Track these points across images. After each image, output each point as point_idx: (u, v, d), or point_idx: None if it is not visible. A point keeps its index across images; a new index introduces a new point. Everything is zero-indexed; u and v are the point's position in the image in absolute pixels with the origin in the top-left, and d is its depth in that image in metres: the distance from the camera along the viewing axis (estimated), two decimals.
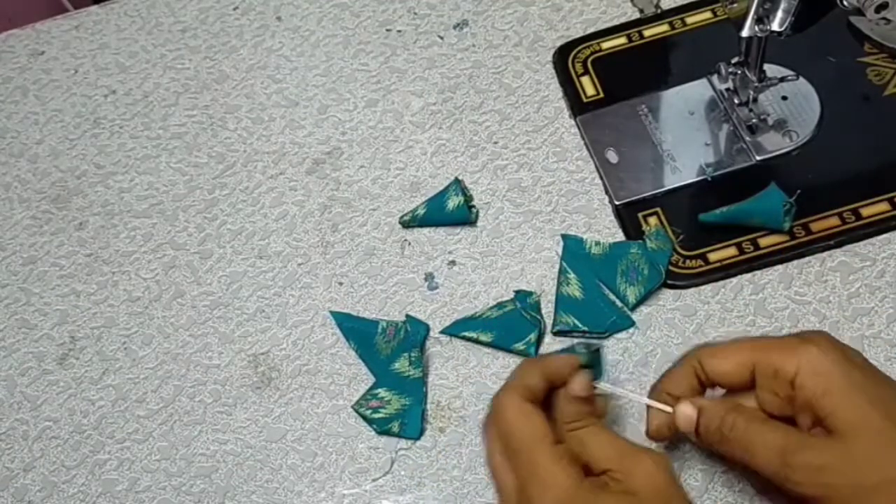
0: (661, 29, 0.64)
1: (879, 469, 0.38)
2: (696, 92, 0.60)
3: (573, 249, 0.56)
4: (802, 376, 0.40)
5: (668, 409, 0.44)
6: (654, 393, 0.46)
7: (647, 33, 0.64)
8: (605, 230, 0.57)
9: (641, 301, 0.53)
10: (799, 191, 0.52)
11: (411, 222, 0.59)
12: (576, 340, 0.52)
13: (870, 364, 0.41)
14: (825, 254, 0.53)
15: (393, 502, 0.50)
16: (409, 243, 0.59)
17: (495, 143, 0.62)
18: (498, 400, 0.44)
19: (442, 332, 0.55)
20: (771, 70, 0.56)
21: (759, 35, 0.50)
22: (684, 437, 0.48)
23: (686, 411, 0.43)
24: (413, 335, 0.54)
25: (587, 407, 0.43)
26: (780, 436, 0.40)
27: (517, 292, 0.55)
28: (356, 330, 0.55)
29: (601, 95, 0.62)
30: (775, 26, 0.49)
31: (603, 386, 0.45)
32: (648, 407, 0.45)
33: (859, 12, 0.48)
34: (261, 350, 0.56)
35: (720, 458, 0.46)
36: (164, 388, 0.56)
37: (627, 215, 0.56)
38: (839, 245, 0.53)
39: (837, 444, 0.39)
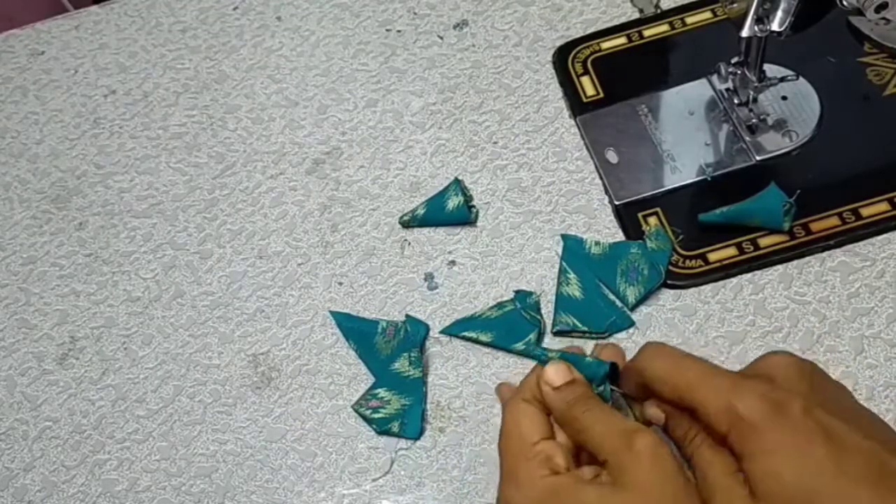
0: (661, 29, 0.64)
1: None
2: (695, 92, 0.60)
3: (573, 249, 0.56)
4: (731, 437, 0.37)
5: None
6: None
7: (647, 33, 0.64)
8: (605, 230, 0.57)
9: (641, 301, 0.53)
10: (799, 191, 0.53)
11: (411, 222, 0.59)
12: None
13: (814, 413, 0.36)
14: (825, 254, 0.53)
15: (393, 502, 0.50)
16: (409, 243, 0.59)
17: (495, 143, 0.62)
18: (505, 402, 0.44)
19: (442, 332, 0.55)
20: (771, 70, 0.56)
21: (758, 35, 0.50)
22: None
23: (652, 413, 0.42)
24: (413, 335, 0.54)
25: (573, 392, 0.42)
26: (720, 475, 0.38)
27: (517, 292, 0.55)
28: (356, 330, 0.55)
29: (601, 95, 0.62)
30: (775, 26, 0.49)
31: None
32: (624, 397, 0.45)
33: (859, 12, 0.48)
34: (261, 350, 0.56)
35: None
36: (163, 388, 0.56)
37: (627, 215, 0.56)
38: (839, 245, 0.53)
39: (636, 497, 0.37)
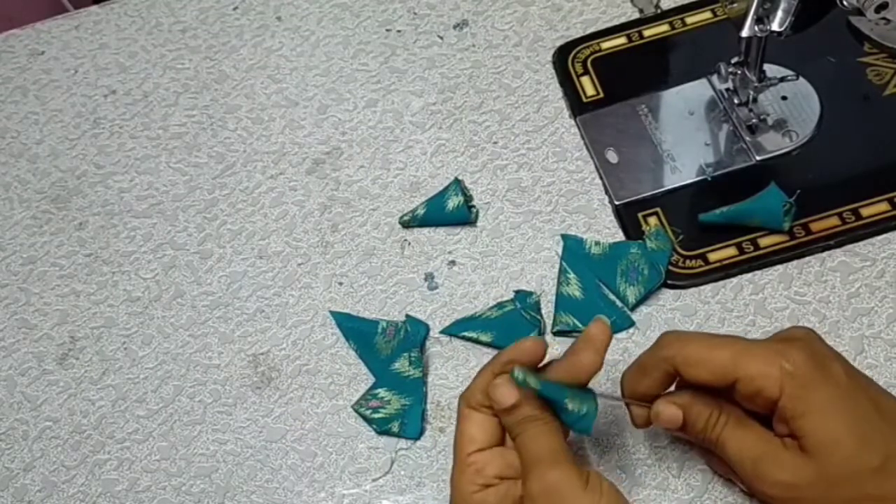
0: (661, 29, 0.64)
1: (849, 490, 0.39)
2: (695, 92, 0.60)
3: (573, 249, 0.56)
4: (783, 399, 0.40)
5: (647, 407, 0.44)
6: (627, 391, 0.45)
7: (647, 33, 0.64)
8: (605, 230, 0.57)
9: (641, 301, 0.53)
10: (799, 191, 0.53)
11: (411, 222, 0.59)
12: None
13: (851, 372, 0.41)
14: (825, 254, 0.53)
15: (393, 502, 0.50)
16: (409, 243, 0.59)
17: (495, 143, 0.62)
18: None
19: (442, 332, 0.55)
20: (771, 70, 0.56)
21: (758, 35, 0.50)
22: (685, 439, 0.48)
23: (670, 411, 0.42)
24: (413, 335, 0.54)
25: (517, 415, 0.42)
26: (757, 444, 0.41)
27: (517, 292, 0.55)
28: (356, 330, 0.55)
29: (601, 95, 0.62)
30: (775, 26, 0.49)
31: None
32: (627, 404, 0.45)
33: (859, 12, 0.48)
34: (261, 350, 0.56)
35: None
36: (163, 388, 0.56)
37: (627, 215, 0.56)
38: (839, 245, 0.53)
39: (810, 463, 0.39)
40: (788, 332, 0.43)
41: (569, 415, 0.42)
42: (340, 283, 0.58)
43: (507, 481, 0.42)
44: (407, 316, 0.55)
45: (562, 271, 0.55)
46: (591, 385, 0.44)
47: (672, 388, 0.44)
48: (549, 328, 0.53)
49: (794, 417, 0.40)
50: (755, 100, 0.57)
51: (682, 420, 0.42)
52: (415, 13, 0.69)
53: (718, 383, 0.41)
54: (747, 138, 0.58)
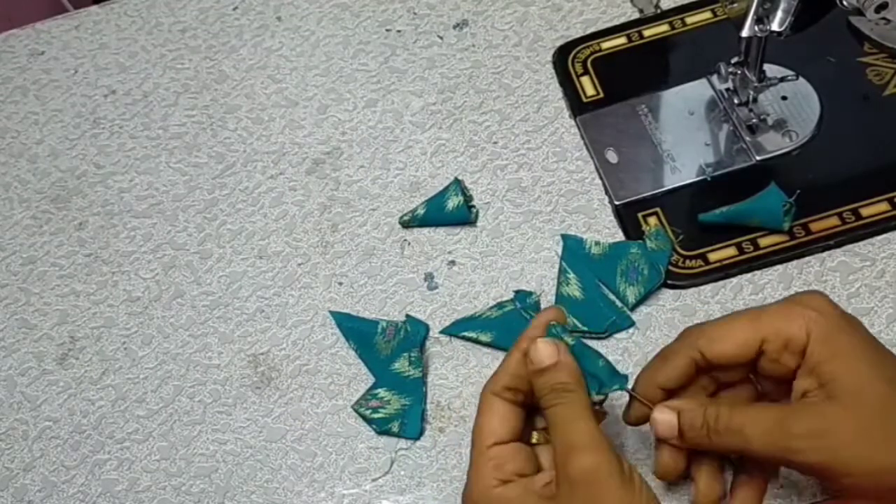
0: (661, 29, 0.64)
1: (882, 430, 0.38)
2: (695, 92, 0.60)
3: (573, 249, 0.56)
4: (811, 345, 0.40)
5: (649, 407, 0.44)
6: (642, 384, 0.45)
7: (646, 33, 0.64)
8: (604, 230, 0.57)
9: (641, 301, 0.53)
10: (799, 191, 0.53)
11: (411, 222, 0.59)
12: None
13: (865, 327, 0.42)
14: (825, 254, 0.53)
15: (393, 502, 0.50)
16: (409, 243, 0.59)
17: (495, 143, 0.62)
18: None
19: (442, 332, 0.55)
20: (771, 70, 0.56)
21: (758, 35, 0.50)
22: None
23: (665, 417, 0.42)
24: (413, 335, 0.54)
25: (553, 378, 0.42)
26: (773, 411, 0.41)
27: (517, 292, 0.55)
28: (356, 330, 0.55)
29: (601, 95, 0.62)
30: (775, 26, 0.49)
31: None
32: (631, 397, 0.45)
33: (859, 12, 0.48)
34: (261, 350, 0.56)
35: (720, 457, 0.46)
36: (163, 388, 0.56)
37: (627, 215, 0.56)
38: (839, 245, 0.53)
39: (838, 407, 0.39)
40: (800, 294, 0.44)
41: (597, 376, 0.42)
42: (340, 283, 0.58)
43: (525, 478, 0.42)
44: (407, 316, 0.55)
45: (562, 271, 0.55)
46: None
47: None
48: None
49: (822, 361, 0.40)
50: (755, 100, 0.57)
51: (676, 425, 0.42)
52: (415, 13, 0.69)
53: (745, 354, 0.42)
54: (747, 138, 0.58)
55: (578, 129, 0.61)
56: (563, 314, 0.45)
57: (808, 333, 0.41)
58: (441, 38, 0.67)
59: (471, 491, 0.42)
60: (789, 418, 0.40)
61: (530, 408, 0.44)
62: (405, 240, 0.59)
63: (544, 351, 0.42)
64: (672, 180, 0.57)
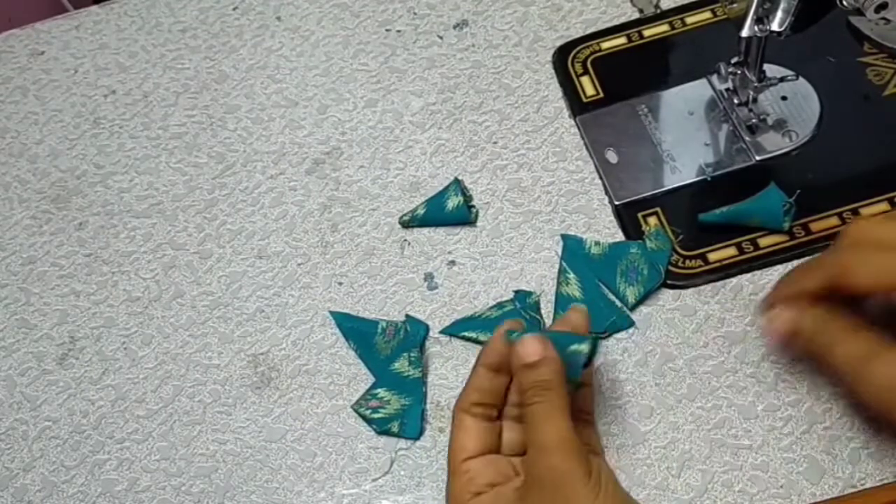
0: (661, 29, 0.64)
1: None
2: (695, 92, 0.60)
3: (573, 249, 0.56)
4: None
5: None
6: (782, 289, 0.47)
7: (646, 33, 0.64)
8: (604, 230, 0.57)
9: (641, 301, 0.53)
10: (799, 191, 0.53)
11: (411, 222, 0.59)
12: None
13: None
14: None
15: (393, 502, 0.50)
16: (409, 243, 0.59)
17: (495, 143, 0.62)
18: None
19: (442, 332, 0.55)
20: (771, 70, 0.56)
21: (758, 35, 0.50)
22: (685, 439, 0.48)
23: (787, 314, 0.45)
24: (413, 335, 0.54)
25: (536, 375, 0.42)
26: (867, 345, 0.41)
27: (517, 292, 0.55)
28: (356, 330, 0.55)
29: (601, 95, 0.62)
30: (775, 26, 0.49)
31: None
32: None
33: (859, 12, 0.48)
34: (260, 350, 0.56)
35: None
36: (163, 388, 0.56)
37: (627, 215, 0.56)
38: None
39: None
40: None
41: (573, 354, 0.43)
42: (340, 283, 0.58)
43: (498, 486, 0.43)
44: (407, 316, 0.55)
45: (561, 271, 0.55)
46: (593, 387, 0.44)
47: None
48: (548, 328, 0.53)
49: None
50: (755, 100, 0.57)
51: (795, 324, 0.44)
52: (415, 13, 0.69)
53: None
54: (747, 138, 0.58)
55: (578, 129, 0.61)
56: (521, 323, 0.46)
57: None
58: (441, 38, 0.67)
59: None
60: (874, 361, 0.41)
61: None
62: (405, 240, 0.59)
63: (531, 346, 0.43)
64: (672, 180, 0.57)
